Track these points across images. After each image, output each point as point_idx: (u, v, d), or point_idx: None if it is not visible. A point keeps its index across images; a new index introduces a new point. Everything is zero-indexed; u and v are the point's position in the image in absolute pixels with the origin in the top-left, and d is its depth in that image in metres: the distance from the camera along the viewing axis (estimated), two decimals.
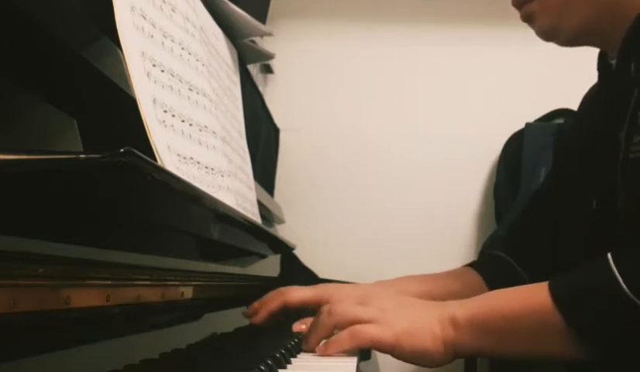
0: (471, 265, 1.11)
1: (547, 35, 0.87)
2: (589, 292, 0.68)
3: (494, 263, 1.07)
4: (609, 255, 0.68)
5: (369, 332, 0.73)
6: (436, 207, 2.00)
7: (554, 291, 0.69)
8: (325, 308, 0.80)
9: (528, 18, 0.87)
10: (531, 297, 0.72)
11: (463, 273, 1.08)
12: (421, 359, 0.74)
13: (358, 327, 0.74)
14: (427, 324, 0.75)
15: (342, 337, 0.74)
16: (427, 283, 1.04)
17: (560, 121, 1.93)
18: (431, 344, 0.73)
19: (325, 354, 0.74)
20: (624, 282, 0.65)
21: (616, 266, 0.66)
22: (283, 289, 0.96)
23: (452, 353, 0.74)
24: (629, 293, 0.64)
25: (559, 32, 0.85)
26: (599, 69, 0.90)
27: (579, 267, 0.71)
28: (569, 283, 0.71)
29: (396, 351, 0.74)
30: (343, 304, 0.79)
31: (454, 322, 0.74)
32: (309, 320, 0.84)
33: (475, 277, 1.05)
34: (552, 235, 0.98)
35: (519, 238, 1.08)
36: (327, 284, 1.04)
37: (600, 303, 0.67)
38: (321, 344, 0.75)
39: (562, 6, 0.83)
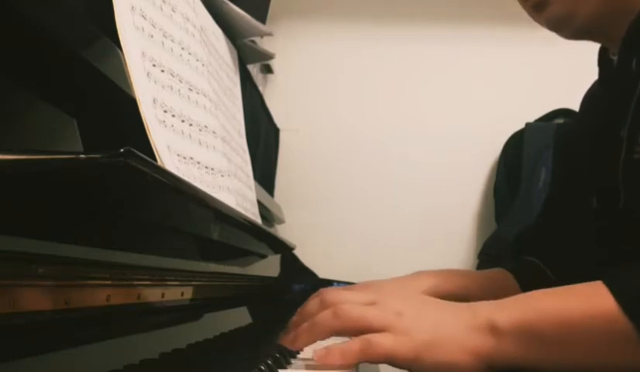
0: (504, 268, 1.02)
1: (558, 24, 0.82)
2: None
3: (528, 268, 1.00)
4: None
5: (384, 344, 0.61)
6: (436, 207, 2.01)
7: (618, 294, 0.59)
8: (328, 300, 0.68)
9: (539, 6, 0.83)
10: (592, 299, 0.61)
11: (498, 276, 1.00)
12: None
13: (371, 338, 0.62)
14: (455, 332, 0.63)
15: (352, 348, 0.62)
16: (466, 279, 0.96)
17: (560, 121, 1.93)
18: (459, 356, 0.62)
19: (324, 363, 0.62)
20: None
21: None
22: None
23: (485, 365, 0.63)
24: None
25: (572, 20, 0.81)
26: (599, 65, 0.89)
27: (632, 264, 0.62)
28: (633, 284, 0.60)
29: (415, 367, 0.62)
30: (352, 306, 0.66)
31: (494, 329, 0.62)
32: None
33: (511, 281, 0.97)
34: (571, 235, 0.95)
35: (544, 241, 1.03)
36: (368, 284, 0.92)
37: None
38: (319, 349, 0.63)
39: None
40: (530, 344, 0.61)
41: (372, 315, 0.64)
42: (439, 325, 0.63)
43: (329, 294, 0.70)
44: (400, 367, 0.64)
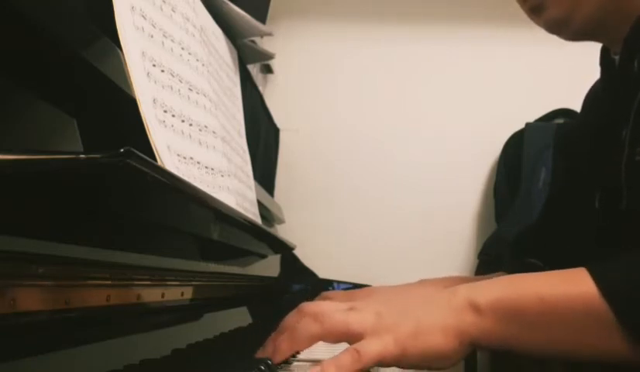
0: (507, 272, 0.98)
1: (556, 26, 0.83)
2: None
3: (532, 271, 1.01)
4: None
5: (372, 349, 0.61)
6: (436, 207, 2.01)
7: (598, 278, 0.61)
8: (307, 310, 0.67)
9: (535, 10, 0.83)
10: (572, 281, 0.62)
11: None
12: (433, 362, 0.63)
13: (359, 348, 0.61)
14: (435, 318, 0.63)
15: (345, 361, 0.60)
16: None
17: (560, 121, 1.93)
18: (443, 341, 0.63)
19: None
20: None
21: None
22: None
23: (468, 344, 0.64)
24: None
25: (570, 23, 0.81)
26: (601, 65, 0.89)
27: (619, 257, 0.63)
28: (614, 271, 0.62)
29: (402, 361, 0.63)
30: (332, 313, 0.65)
31: (474, 307, 0.63)
32: None
33: None
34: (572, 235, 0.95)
35: (545, 242, 1.03)
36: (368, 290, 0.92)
37: None
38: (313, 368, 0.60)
39: None
40: (510, 321, 0.62)
41: (352, 319, 0.64)
42: (419, 315, 0.64)
43: (307, 305, 0.70)
44: (391, 365, 0.64)
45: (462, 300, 0.64)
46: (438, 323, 0.63)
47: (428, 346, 0.62)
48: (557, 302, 0.62)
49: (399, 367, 0.65)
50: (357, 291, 0.96)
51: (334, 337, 0.64)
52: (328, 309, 0.66)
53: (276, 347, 0.65)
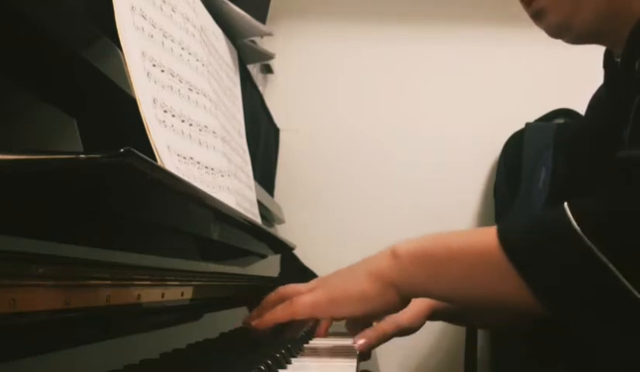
0: None
1: (558, 31, 0.84)
2: (535, 231, 0.67)
3: None
4: (565, 202, 0.66)
5: (304, 299, 0.75)
6: (436, 206, 2.00)
7: (500, 229, 0.68)
8: (280, 289, 0.82)
9: (537, 15, 0.84)
10: (478, 234, 0.72)
11: None
12: (360, 305, 0.74)
13: (294, 298, 0.76)
14: (362, 271, 0.76)
15: (277, 310, 0.76)
16: None
17: (560, 121, 1.93)
18: (366, 284, 0.74)
19: (258, 325, 0.77)
20: (577, 223, 0.63)
21: (569, 209, 0.64)
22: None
23: (394, 290, 0.74)
24: (580, 232, 0.62)
25: (571, 28, 0.82)
26: (605, 67, 0.89)
27: (528, 215, 0.71)
28: (518, 222, 0.71)
29: (333, 310, 0.75)
30: (294, 286, 0.80)
31: (394, 254, 0.75)
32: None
33: None
34: None
35: None
36: None
37: (546, 242, 0.65)
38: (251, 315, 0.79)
39: (574, 1, 0.80)
40: (421, 265, 0.73)
41: (300, 285, 0.79)
42: (352, 273, 0.77)
43: (282, 287, 0.83)
44: (323, 317, 0.77)
45: (387, 251, 0.76)
46: (363, 272, 0.75)
47: (353, 289, 0.75)
48: (461, 251, 0.71)
49: (335, 319, 0.77)
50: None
51: (286, 297, 0.77)
52: (293, 286, 0.81)
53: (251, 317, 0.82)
